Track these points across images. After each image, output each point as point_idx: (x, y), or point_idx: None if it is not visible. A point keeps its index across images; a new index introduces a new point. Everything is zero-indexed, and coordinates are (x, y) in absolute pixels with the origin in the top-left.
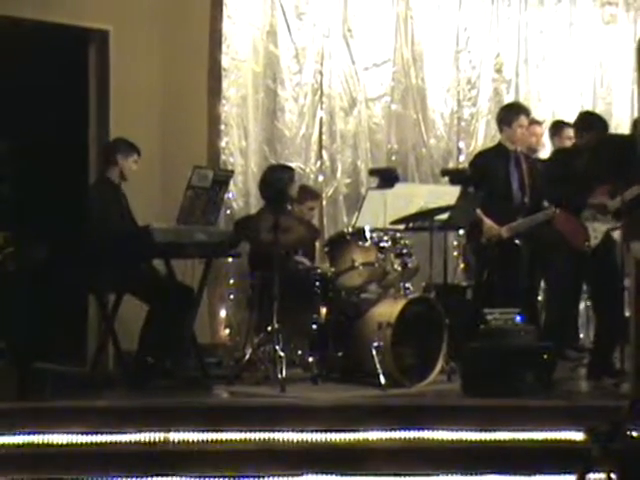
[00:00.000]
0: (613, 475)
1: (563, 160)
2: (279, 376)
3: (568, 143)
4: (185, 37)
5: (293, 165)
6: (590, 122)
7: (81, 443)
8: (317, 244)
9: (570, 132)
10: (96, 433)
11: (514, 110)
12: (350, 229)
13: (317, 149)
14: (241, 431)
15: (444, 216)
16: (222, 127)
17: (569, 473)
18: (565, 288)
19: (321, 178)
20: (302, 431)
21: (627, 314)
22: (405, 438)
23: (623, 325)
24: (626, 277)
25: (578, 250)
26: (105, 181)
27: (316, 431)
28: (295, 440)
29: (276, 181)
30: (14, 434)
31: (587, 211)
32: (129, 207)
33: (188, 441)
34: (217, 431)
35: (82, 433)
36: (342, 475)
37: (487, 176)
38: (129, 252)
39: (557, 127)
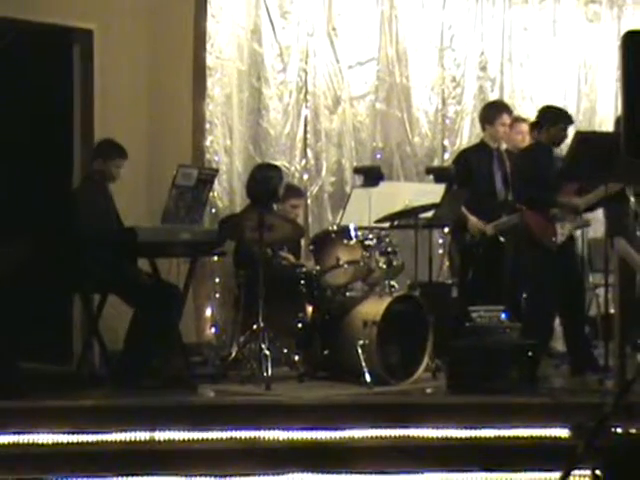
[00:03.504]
0: (598, 472)
1: (528, 160)
2: (265, 374)
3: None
4: (169, 36)
5: (278, 164)
6: (555, 116)
7: (66, 443)
8: (302, 242)
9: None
10: (81, 432)
11: (496, 108)
12: (335, 227)
13: (302, 147)
14: (227, 430)
15: (429, 214)
16: (207, 126)
17: (554, 470)
18: (541, 284)
19: (306, 176)
20: (288, 429)
21: (611, 311)
22: (391, 436)
23: (587, 321)
24: (610, 274)
25: (545, 246)
26: (91, 181)
27: (302, 429)
28: (281, 438)
29: (266, 180)
30: None
31: (556, 209)
32: (115, 207)
33: (174, 440)
34: (203, 430)
35: (67, 433)
36: (328, 473)
37: (470, 174)
38: (114, 252)
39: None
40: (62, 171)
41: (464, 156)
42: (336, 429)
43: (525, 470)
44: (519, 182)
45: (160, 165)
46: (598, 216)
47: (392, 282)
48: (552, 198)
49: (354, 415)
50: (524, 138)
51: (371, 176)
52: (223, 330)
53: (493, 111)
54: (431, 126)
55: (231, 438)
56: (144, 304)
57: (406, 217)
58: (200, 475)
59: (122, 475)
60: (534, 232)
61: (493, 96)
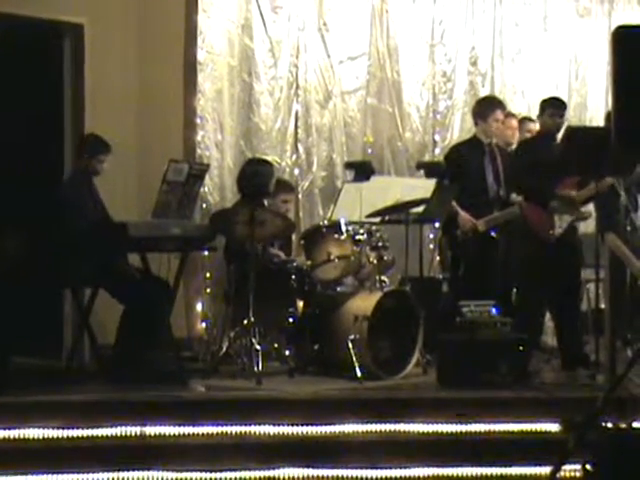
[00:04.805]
0: (588, 466)
1: (528, 151)
2: (255, 369)
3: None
4: (160, 31)
5: (269, 159)
6: (542, 105)
7: (57, 437)
8: (293, 237)
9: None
10: (72, 427)
11: (489, 104)
12: (326, 222)
13: (293, 142)
14: (217, 425)
15: (420, 209)
16: (198, 121)
17: (545, 465)
18: (533, 278)
19: (297, 171)
20: (278, 424)
21: (602, 306)
22: (381, 431)
23: (580, 315)
24: (601, 268)
25: (543, 239)
26: (78, 176)
27: (292, 424)
28: (271, 433)
29: (257, 175)
30: None
31: (555, 201)
32: (102, 201)
33: (164, 435)
34: (193, 425)
35: (58, 427)
36: (318, 468)
37: (462, 169)
38: (104, 246)
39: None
40: (53, 165)
41: (456, 151)
42: (327, 424)
43: (516, 465)
44: (519, 172)
45: (151, 160)
46: (590, 211)
47: (383, 277)
48: (551, 189)
49: (345, 410)
50: (514, 133)
51: (362, 171)
52: (214, 325)
53: (486, 107)
54: (422, 121)
55: (222, 433)
56: (134, 299)
57: (397, 212)
58: (191, 470)
59: (113, 470)
60: (532, 225)
61: (484, 91)
